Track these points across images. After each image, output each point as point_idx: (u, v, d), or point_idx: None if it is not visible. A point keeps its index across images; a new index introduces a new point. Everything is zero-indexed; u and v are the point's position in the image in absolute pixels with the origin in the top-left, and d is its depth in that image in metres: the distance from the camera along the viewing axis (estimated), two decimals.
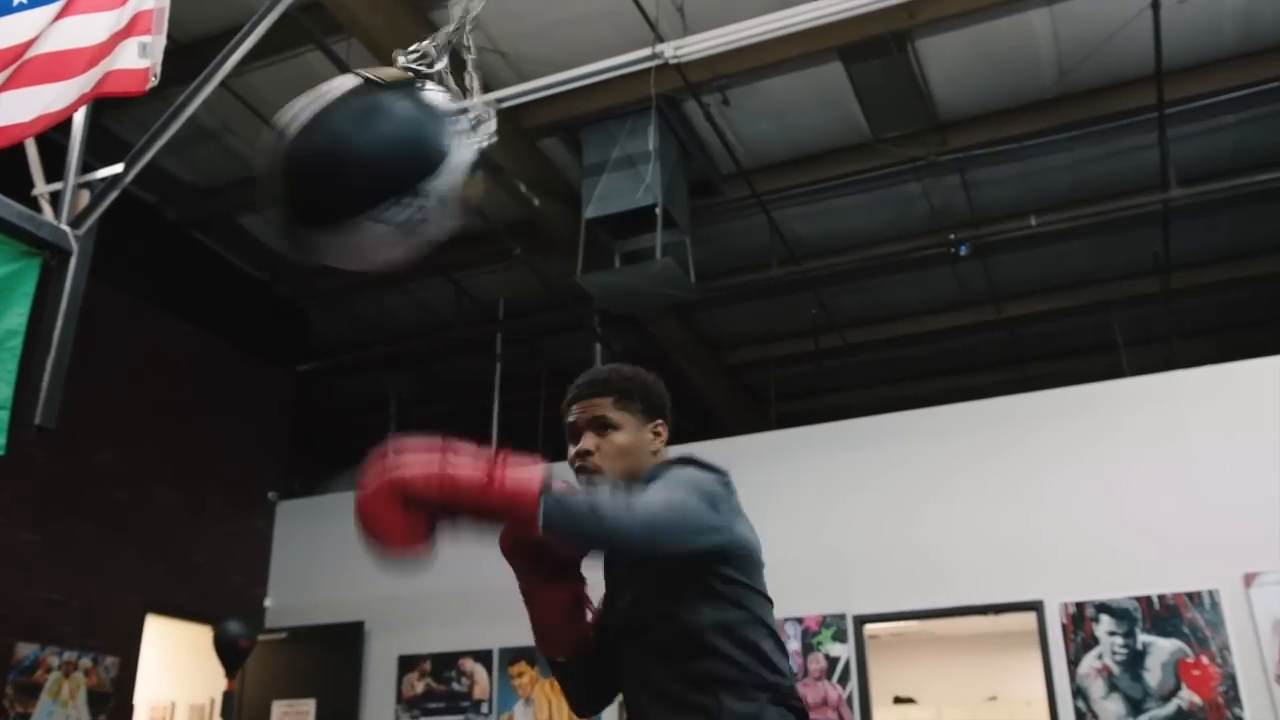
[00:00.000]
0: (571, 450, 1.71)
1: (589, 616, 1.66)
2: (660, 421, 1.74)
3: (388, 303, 7.91)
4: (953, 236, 6.34)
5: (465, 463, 1.38)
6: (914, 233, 6.74)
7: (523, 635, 7.19)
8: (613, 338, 7.65)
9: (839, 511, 5.70)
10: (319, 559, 7.04)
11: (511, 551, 1.56)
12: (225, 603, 6.59)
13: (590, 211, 5.68)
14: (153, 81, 2.41)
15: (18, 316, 2.43)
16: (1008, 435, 5.63)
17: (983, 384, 7.97)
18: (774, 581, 1.63)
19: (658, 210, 5.49)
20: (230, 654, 5.76)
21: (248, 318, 7.42)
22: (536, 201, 5.98)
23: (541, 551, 1.54)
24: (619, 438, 1.69)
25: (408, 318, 8.05)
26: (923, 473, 5.68)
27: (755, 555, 1.62)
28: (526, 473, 1.37)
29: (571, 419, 1.73)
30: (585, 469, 1.69)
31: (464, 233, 8.09)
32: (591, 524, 1.37)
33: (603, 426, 1.70)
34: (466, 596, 6.53)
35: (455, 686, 6.38)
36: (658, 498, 1.46)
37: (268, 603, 7.08)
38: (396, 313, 8.02)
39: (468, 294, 7.43)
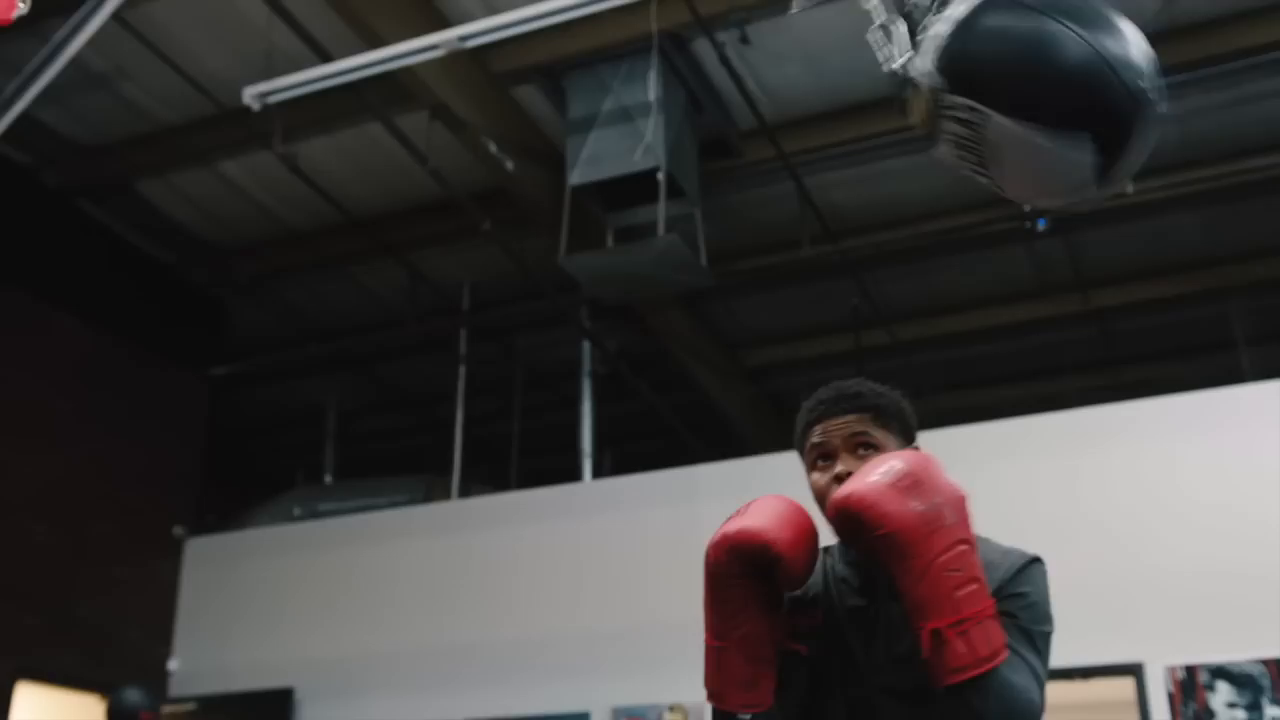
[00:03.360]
0: (821, 476, 1.82)
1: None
2: (915, 445, 1.89)
3: (324, 290, 7.89)
4: (1028, 208, 6.32)
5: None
6: (979, 202, 6.71)
7: (489, 703, 7.18)
8: (604, 334, 7.63)
9: None
10: (237, 610, 7.02)
11: (742, 573, 1.69)
12: (119, 666, 6.56)
13: (576, 177, 5.66)
14: (21, 9, 2.38)
15: None
16: (1098, 454, 5.60)
17: (1066, 391, 7.95)
18: None
19: (660, 176, 5.47)
20: None
21: (148, 309, 7.40)
22: (510, 164, 5.96)
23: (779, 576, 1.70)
24: None
25: (349, 309, 8.02)
26: (991, 501, 5.62)
27: None
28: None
29: (818, 439, 1.84)
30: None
31: (418, 202, 8.09)
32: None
33: (863, 446, 1.82)
34: (420, 656, 6.51)
35: None
36: (1038, 675, 1.72)
37: (172, 665, 7.06)
38: (335, 303, 8.00)
39: (424, 279, 7.41)
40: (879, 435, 1.83)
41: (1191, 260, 7.27)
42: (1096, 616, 5.28)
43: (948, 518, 1.62)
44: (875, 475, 1.64)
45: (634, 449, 8.51)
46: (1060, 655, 5.97)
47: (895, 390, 1.93)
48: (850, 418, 1.84)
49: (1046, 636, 1.77)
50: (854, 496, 1.62)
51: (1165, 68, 5.64)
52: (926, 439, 6.64)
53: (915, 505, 1.60)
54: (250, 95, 5.30)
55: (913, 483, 1.62)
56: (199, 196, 7.02)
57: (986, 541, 1.82)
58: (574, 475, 7.13)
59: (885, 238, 6.85)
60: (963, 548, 1.62)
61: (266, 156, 6.06)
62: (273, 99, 5.31)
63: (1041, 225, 6.32)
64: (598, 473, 7.32)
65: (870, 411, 1.84)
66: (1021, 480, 5.67)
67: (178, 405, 7.49)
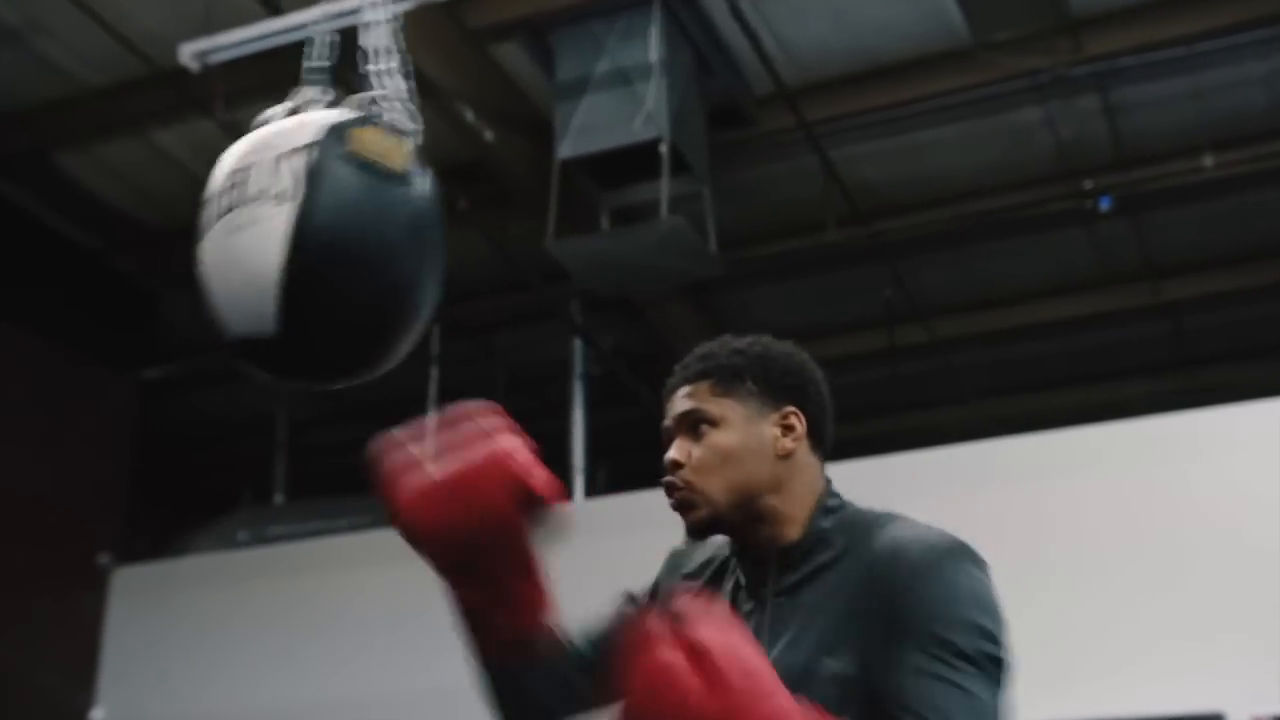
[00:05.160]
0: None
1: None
2: (791, 409, 1.71)
3: None
4: (1089, 184, 6.30)
5: None
6: (1033, 179, 6.72)
7: None
8: (599, 329, 7.62)
9: None
10: (173, 651, 7.00)
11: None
12: (33, 715, 6.54)
13: (566, 149, 5.65)
14: None
15: None
16: (1170, 470, 5.59)
17: (1132, 396, 7.94)
18: None
19: (663, 148, 5.46)
20: None
21: (69, 302, 7.38)
22: (489, 134, 5.96)
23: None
24: (719, 438, 1.68)
25: None
26: (1045, 522, 5.65)
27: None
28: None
29: (666, 422, 1.74)
30: (674, 488, 1.69)
31: None
32: None
33: (697, 424, 1.69)
34: (386, 703, 6.50)
35: None
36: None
37: (96, 715, 7.05)
38: None
39: None
40: (718, 407, 1.68)
41: (1278, 244, 7.27)
42: (1169, 658, 5.27)
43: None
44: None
45: (633, 462, 8.49)
46: (1129, 702, 5.93)
47: (775, 344, 1.79)
48: (687, 389, 1.72)
49: (981, 665, 1.50)
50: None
51: (1250, 21, 5.61)
52: (971, 454, 6.61)
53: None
54: (188, 54, 5.29)
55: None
56: (128, 170, 7.01)
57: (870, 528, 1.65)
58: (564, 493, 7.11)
59: (923, 219, 6.84)
60: None
61: (207, 125, 6.05)
62: (214, 59, 5.30)
63: (1105, 205, 6.32)
64: (591, 490, 7.31)
65: (712, 377, 1.71)
66: (1079, 499, 5.66)
67: (103, 413, 7.48)
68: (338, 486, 8.63)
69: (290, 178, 1.69)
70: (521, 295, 7.34)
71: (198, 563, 7.41)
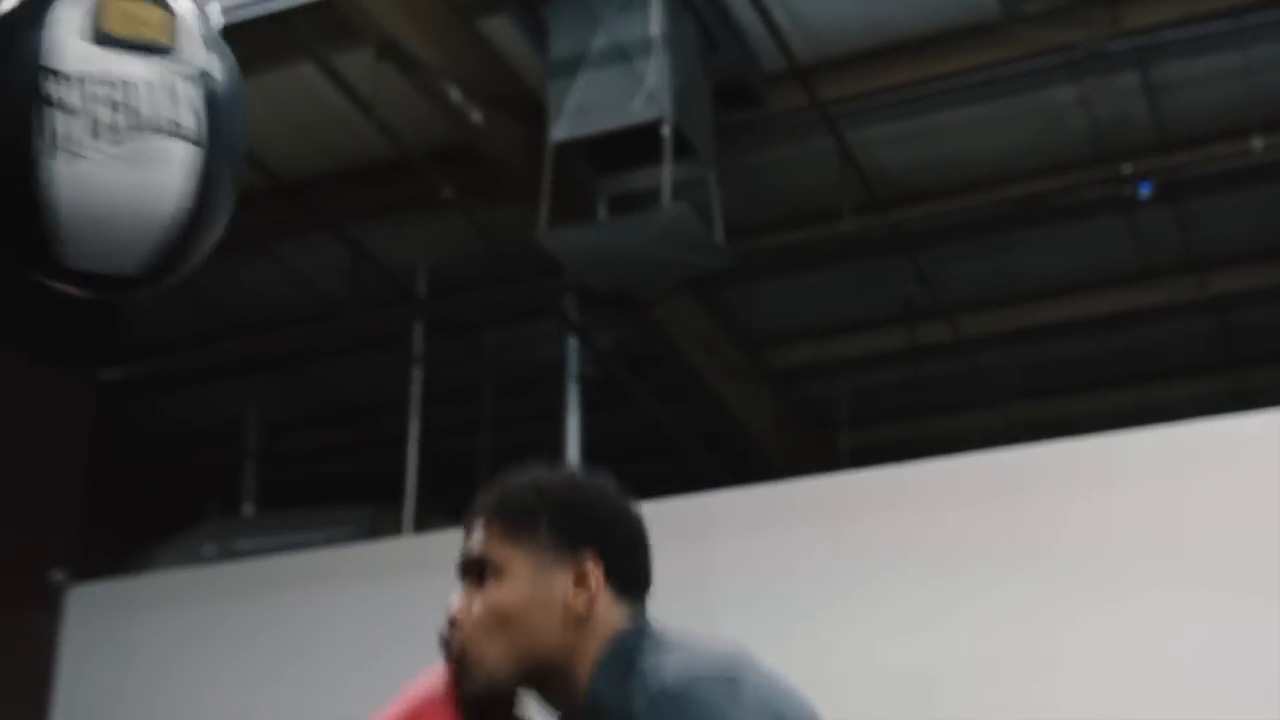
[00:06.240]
0: None
1: None
2: (587, 558, 1.62)
3: (243, 273, 7.87)
4: (1128, 169, 6.30)
5: None
6: (1067, 163, 6.72)
7: None
8: (596, 328, 7.61)
9: (947, 602, 5.67)
10: (133, 675, 7.00)
11: None
12: None
13: (561, 131, 5.65)
14: None
15: None
16: (1217, 478, 5.59)
17: (1177, 399, 7.93)
18: None
19: (665, 130, 5.47)
20: None
21: (19, 296, 7.35)
22: (477, 115, 5.96)
23: None
24: (501, 594, 1.60)
25: (275, 296, 8.01)
26: (1081, 536, 5.65)
27: None
28: None
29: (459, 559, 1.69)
30: (448, 645, 1.63)
31: (362, 163, 8.03)
32: None
33: (479, 574, 1.63)
34: None
35: None
36: None
37: None
38: (257, 288, 7.98)
39: (369, 259, 7.39)
40: (505, 555, 1.61)
41: None
42: (1209, 675, 5.27)
43: None
44: None
45: (632, 471, 8.44)
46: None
47: (581, 481, 1.71)
48: (476, 532, 1.64)
49: None
50: None
51: None
52: (1000, 462, 6.56)
53: None
54: None
55: None
56: None
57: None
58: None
59: (947, 207, 6.83)
60: None
61: None
62: None
63: (1145, 192, 6.31)
64: None
65: (501, 519, 1.63)
66: (1117, 510, 5.65)
67: (57, 417, 7.47)
68: (311, 496, 8.65)
69: (190, 112, 1.66)
70: (511, 290, 7.33)
71: (159, 580, 7.41)
